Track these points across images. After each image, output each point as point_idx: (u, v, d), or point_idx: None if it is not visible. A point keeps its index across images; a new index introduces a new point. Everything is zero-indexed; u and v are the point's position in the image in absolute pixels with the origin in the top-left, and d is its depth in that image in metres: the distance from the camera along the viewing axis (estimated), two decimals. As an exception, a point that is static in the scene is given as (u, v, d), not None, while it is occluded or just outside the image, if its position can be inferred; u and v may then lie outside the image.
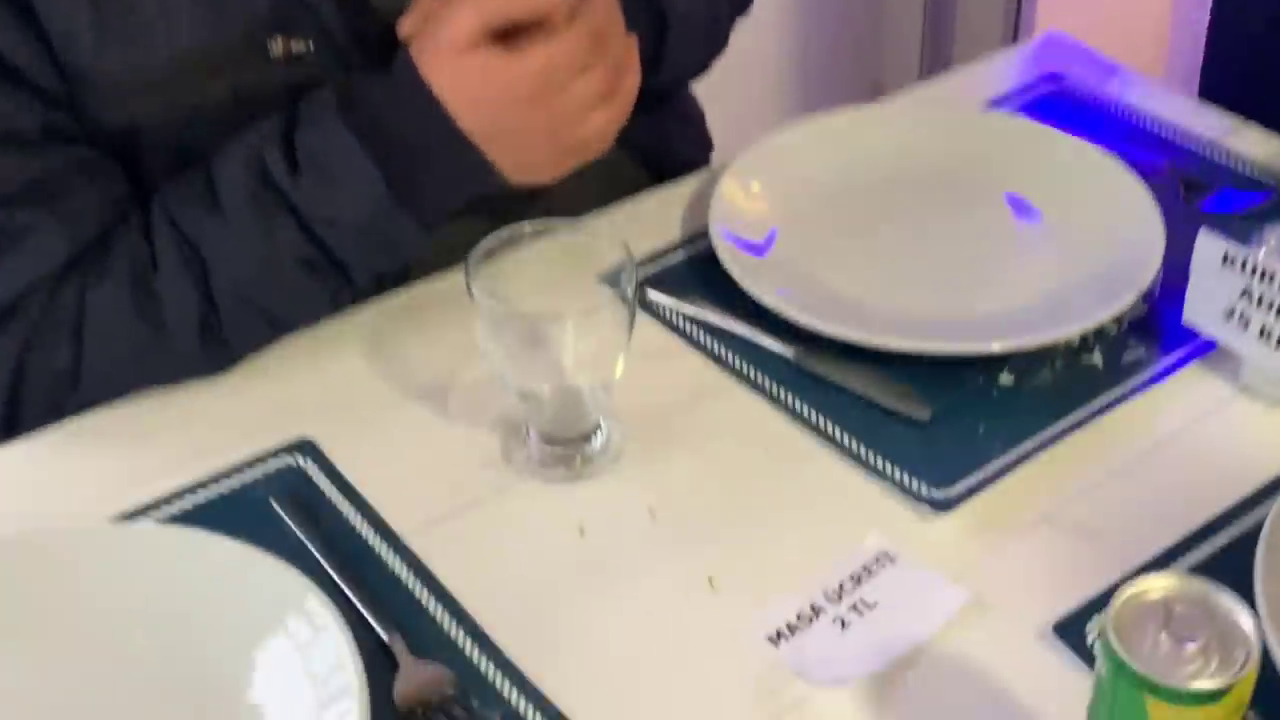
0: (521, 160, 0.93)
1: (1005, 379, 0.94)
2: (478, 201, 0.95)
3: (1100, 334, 0.97)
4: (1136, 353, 0.96)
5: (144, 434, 0.93)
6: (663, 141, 1.19)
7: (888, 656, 0.78)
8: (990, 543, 0.85)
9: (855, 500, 0.87)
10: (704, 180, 1.12)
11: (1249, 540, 0.79)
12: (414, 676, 0.76)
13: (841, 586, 0.81)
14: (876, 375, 0.94)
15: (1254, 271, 0.89)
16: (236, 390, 0.95)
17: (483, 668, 0.78)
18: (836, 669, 0.77)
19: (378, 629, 0.78)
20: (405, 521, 0.86)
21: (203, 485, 0.88)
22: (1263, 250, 0.90)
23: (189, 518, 0.86)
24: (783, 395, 0.94)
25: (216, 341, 0.94)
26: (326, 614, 0.76)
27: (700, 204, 1.08)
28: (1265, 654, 0.65)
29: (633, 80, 0.93)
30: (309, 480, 0.89)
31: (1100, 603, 0.79)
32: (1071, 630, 0.79)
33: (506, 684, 0.77)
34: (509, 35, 0.88)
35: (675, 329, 0.99)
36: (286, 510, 0.86)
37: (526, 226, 0.89)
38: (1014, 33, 2.19)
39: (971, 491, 0.87)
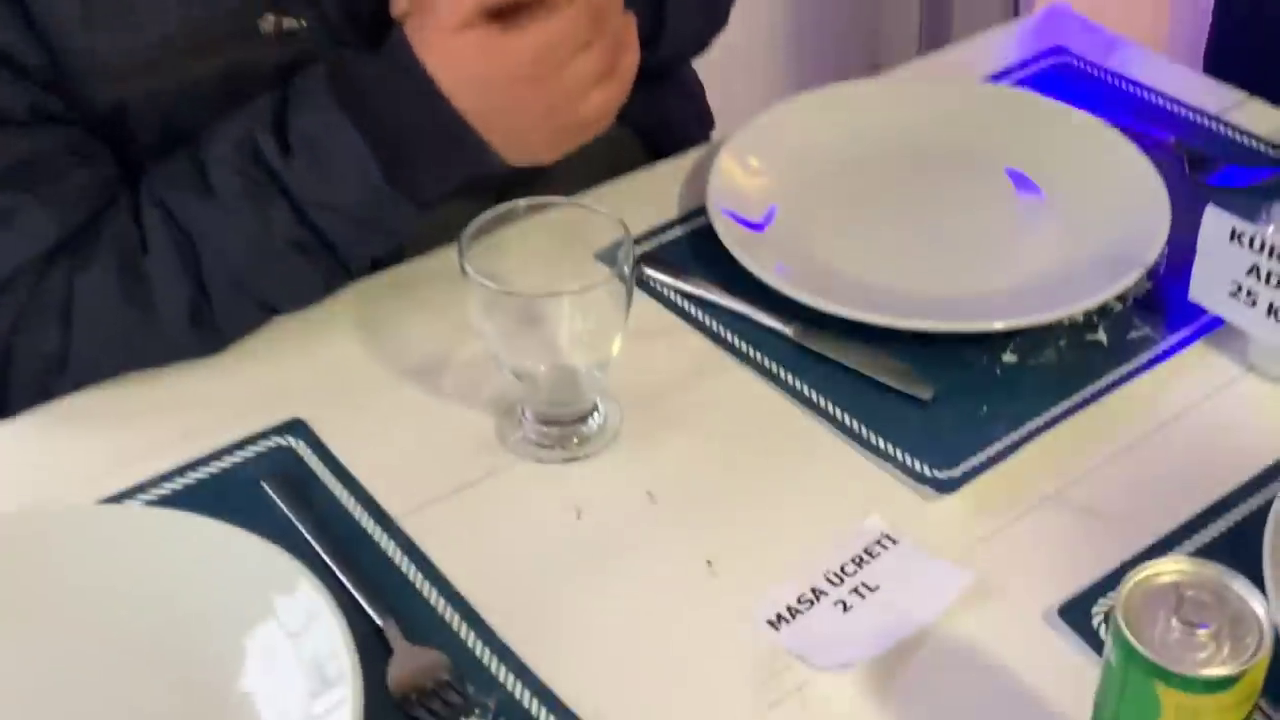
0: (518, 141, 0.92)
1: (1009, 357, 0.93)
2: (474, 182, 0.94)
3: (1105, 311, 0.96)
4: (1142, 330, 0.96)
5: (132, 415, 0.92)
6: (664, 119, 1.18)
7: (890, 640, 0.77)
8: (994, 524, 0.84)
9: (856, 481, 0.86)
10: (702, 156, 1.11)
11: (1257, 521, 0.78)
12: (408, 662, 0.75)
13: (843, 569, 0.81)
14: (878, 354, 0.93)
15: (1262, 248, 0.88)
16: (226, 371, 0.94)
17: (478, 652, 0.77)
18: (838, 653, 0.76)
19: (371, 613, 0.78)
20: (399, 503, 0.85)
21: (191, 467, 0.87)
22: (1271, 226, 0.89)
23: (177, 500, 0.85)
24: (782, 374, 0.93)
25: (207, 325, 0.93)
26: (318, 598, 0.75)
27: (698, 180, 1.07)
28: (1278, 639, 0.63)
29: (632, 58, 0.92)
30: (300, 461, 0.88)
31: (1105, 585, 0.79)
32: (1076, 613, 0.78)
33: (502, 669, 0.76)
34: (505, 13, 0.87)
35: (673, 307, 0.98)
36: (277, 492, 0.85)
37: (521, 203, 0.88)
38: (1015, 7, 2.18)
39: (975, 472, 0.86)
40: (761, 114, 1.11)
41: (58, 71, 0.90)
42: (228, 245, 0.91)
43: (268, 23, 0.92)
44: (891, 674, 0.76)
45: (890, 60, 2.11)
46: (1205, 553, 0.80)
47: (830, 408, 0.90)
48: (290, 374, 0.94)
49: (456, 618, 0.78)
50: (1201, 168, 1.09)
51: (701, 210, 1.04)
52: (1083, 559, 0.81)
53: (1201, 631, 0.61)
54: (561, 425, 0.89)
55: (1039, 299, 0.95)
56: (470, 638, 0.77)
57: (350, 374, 0.94)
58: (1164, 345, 0.95)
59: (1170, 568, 0.64)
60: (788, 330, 0.95)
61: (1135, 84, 1.19)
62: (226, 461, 0.88)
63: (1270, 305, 0.89)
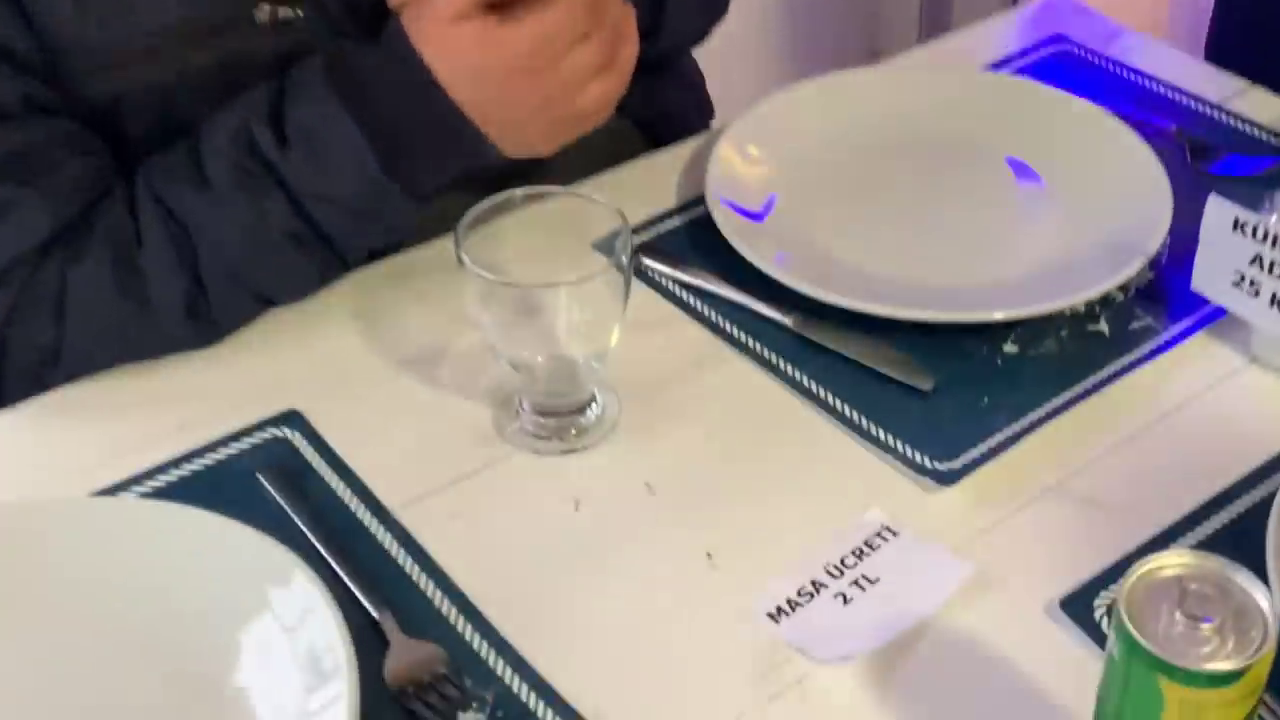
0: (516, 133, 0.91)
1: (1010, 348, 0.93)
2: (472, 174, 0.93)
3: (1106, 301, 0.96)
4: (1143, 321, 0.95)
5: (126, 407, 0.91)
6: (664, 110, 1.17)
7: (890, 633, 0.76)
8: (994, 516, 0.83)
9: (856, 473, 0.86)
10: (700, 145, 1.11)
11: (1260, 513, 0.78)
12: (405, 655, 0.75)
13: (843, 561, 0.80)
14: (878, 344, 0.92)
15: (1265, 237, 0.87)
16: (221, 362, 0.94)
17: (475, 645, 0.76)
18: (838, 646, 0.76)
19: (367, 606, 0.77)
20: (395, 495, 0.84)
21: (186, 459, 0.87)
22: (1274, 216, 0.88)
23: (172, 492, 0.84)
24: (782, 365, 0.92)
25: (203, 317, 0.92)
26: (314, 591, 0.74)
27: (697, 169, 1.07)
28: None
29: (630, 50, 0.92)
30: (296, 452, 0.87)
31: (1107, 577, 0.78)
32: (1078, 605, 0.77)
33: (499, 662, 0.75)
34: (503, 4, 0.86)
35: (672, 297, 0.98)
36: (272, 484, 0.85)
37: (518, 192, 0.87)
38: (1014, -5, 2.17)
39: (975, 463, 0.86)
40: (761, 103, 1.11)
41: (51, 62, 0.89)
42: (224, 237, 0.90)
43: (263, 12, 0.91)
44: (892, 667, 0.75)
45: (890, 48, 2.09)
46: (1208, 544, 0.80)
47: (830, 399, 0.90)
48: (286, 365, 0.93)
49: (454, 610, 0.78)
50: (1203, 156, 1.09)
51: (700, 200, 1.03)
52: (1084, 551, 0.80)
53: (1205, 625, 0.61)
54: (559, 416, 0.88)
55: (1040, 289, 0.95)
56: (467, 630, 0.77)
57: (346, 365, 0.94)
58: (1166, 336, 0.94)
59: (1173, 561, 0.63)
60: (787, 321, 0.94)
61: (1136, 72, 1.19)
62: (222, 453, 0.87)
63: (1273, 295, 0.88)
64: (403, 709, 0.73)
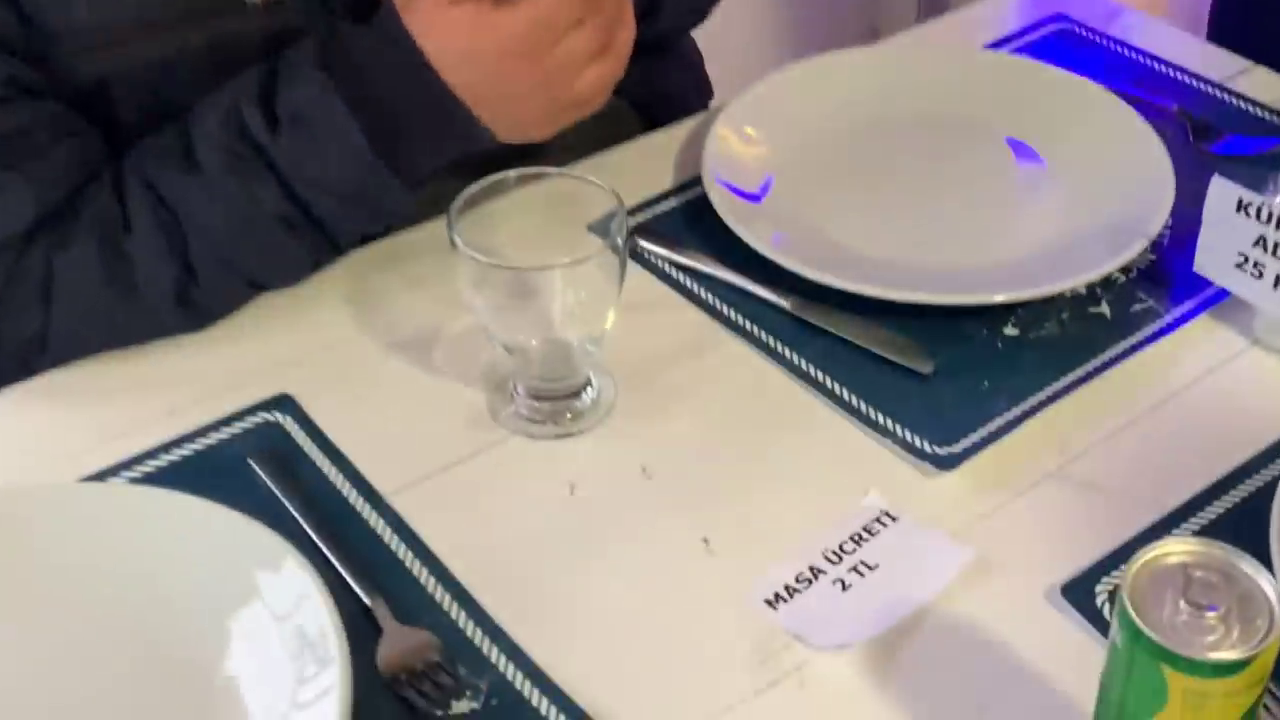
0: (511, 118, 0.90)
1: (1010, 330, 0.92)
2: (466, 159, 0.92)
3: (1108, 284, 0.95)
4: (1145, 303, 0.94)
5: (115, 391, 0.90)
6: (662, 91, 1.16)
7: (889, 619, 0.76)
8: (995, 501, 0.82)
9: (855, 457, 0.85)
10: (697, 125, 1.10)
11: (1264, 497, 0.78)
12: (398, 642, 0.74)
13: (841, 547, 0.79)
14: (877, 327, 0.92)
15: (1269, 219, 0.87)
16: (212, 346, 0.93)
17: (469, 632, 0.76)
18: (836, 632, 0.75)
19: (359, 593, 0.77)
20: (388, 480, 0.84)
21: (176, 444, 0.86)
22: (1278, 197, 0.87)
23: (162, 477, 0.84)
24: (780, 348, 0.91)
25: (193, 302, 0.91)
26: (306, 577, 0.73)
27: (693, 150, 1.06)
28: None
29: (627, 34, 0.91)
30: (288, 437, 0.86)
31: (1109, 563, 0.78)
32: (1079, 591, 0.77)
33: (494, 649, 0.75)
34: None
35: (668, 279, 0.97)
36: (264, 468, 0.84)
37: (512, 174, 0.87)
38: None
39: (975, 448, 0.85)
40: (758, 83, 1.10)
41: (38, 44, 0.88)
42: (214, 222, 0.89)
43: (253, -8, 0.91)
44: (891, 653, 0.75)
45: (889, 27, 2.09)
46: (1210, 529, 0.79)
47: (828, 382, 0.89)
48: (278, 349, 0.93)
49: (447, 597, 0.77)
50: (1205, 136, 1.08)
51: (697, 181, 1.02)
52: (1085, 536, 0.80)
53: (1210, 614, 0.60)
54: (554, 400, 0.87)
55: (1041, 271, 0.94)
56: (461, 617, 0.76)
57: (339, 349, 0.93)
58: (1168, 318, 0.93)
59: (1178, 548, 0.63)
60: (785, 303, 0.94)
61: (1138, 51, 1.18)
62: (212, 438, 0.86)
63: (1277, 277, 0.87)
64: (396, 697, 0.72)
